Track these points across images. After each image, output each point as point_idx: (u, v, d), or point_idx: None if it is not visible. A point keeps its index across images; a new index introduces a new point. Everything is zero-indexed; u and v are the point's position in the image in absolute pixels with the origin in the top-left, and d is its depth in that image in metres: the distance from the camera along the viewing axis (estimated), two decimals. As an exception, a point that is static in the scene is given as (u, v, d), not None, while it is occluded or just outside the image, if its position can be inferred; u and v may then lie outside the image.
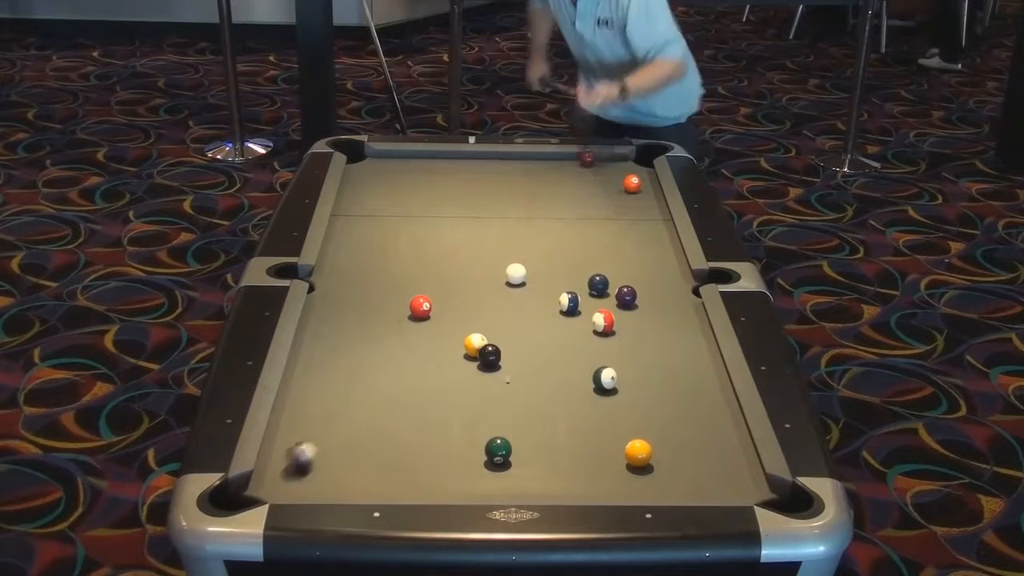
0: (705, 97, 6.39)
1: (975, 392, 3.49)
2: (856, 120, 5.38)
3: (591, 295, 2.29)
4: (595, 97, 3.10)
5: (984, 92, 6.54)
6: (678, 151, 3.06)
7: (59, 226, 4.45)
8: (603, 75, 3.28)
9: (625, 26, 3.13)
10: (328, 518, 1.62)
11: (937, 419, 3.35)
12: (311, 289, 2.29)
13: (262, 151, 5.33)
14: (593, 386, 1.97)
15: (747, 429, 1.85)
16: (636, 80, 3.11)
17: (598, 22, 3.19)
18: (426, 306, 2.20)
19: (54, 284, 3.99)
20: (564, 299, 2.23)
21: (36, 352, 3.56)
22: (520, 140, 3.34)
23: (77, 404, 3.31)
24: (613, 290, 2.30)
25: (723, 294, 2.26)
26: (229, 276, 4.07)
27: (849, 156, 5.33)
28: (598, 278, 2.30)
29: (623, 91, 3.08)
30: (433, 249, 2.53)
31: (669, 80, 3.21)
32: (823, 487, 1.67)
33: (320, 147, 3.01)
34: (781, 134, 5.77)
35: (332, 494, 1.68)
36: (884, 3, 6.26)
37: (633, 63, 3.19)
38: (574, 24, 3.26)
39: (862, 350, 3.72)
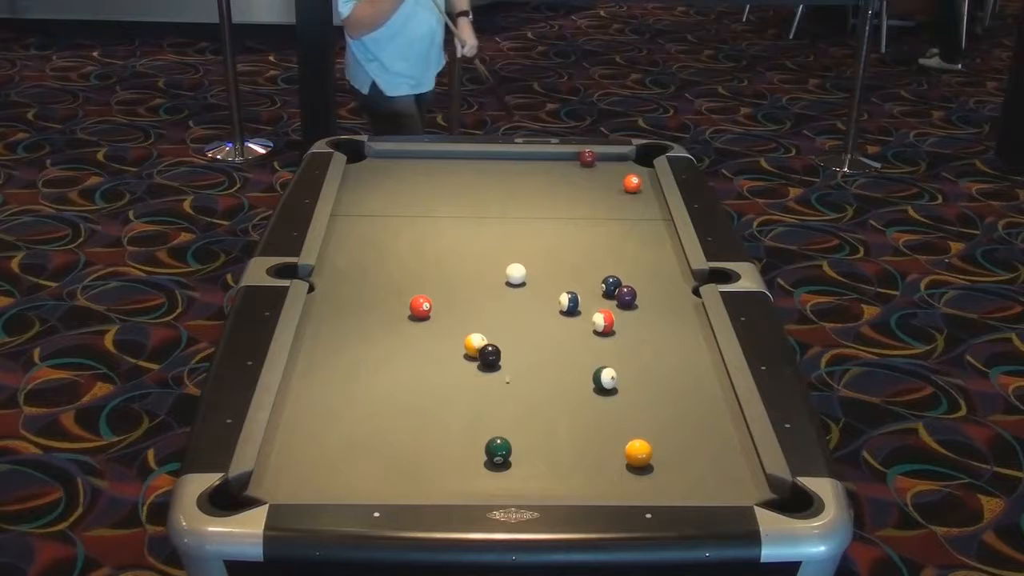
0: (705, 97, 6.40)
1: (975, 392, 3.49)
2: (856, 120, 5.38)
3: (604, 295, 2.29)
4: (475, 43, 3.71)
5: (984, 92, 6.54)
6: (678, 151, 3.06)
7: (59, 226, 4.45)
8: (431, 21, 3.56)
9: None
10: (328, 518, 1.62)
11: (937, 419, 3.35)
12: (311, 289, 2.29)
13: (262, 151, 5.33)
14: (593, 386, 1.97)
15: (747, 429, 1.85)
16: (465, 3, 3.74)
17: None
18: (426, 306, 2.20)
19: (54, 284, 3.99)
20: (564, 299, 2.23)
21: (36, 352, 3.56)
22: (520, 140, 3.34)
23: (77, 404, 3.31)
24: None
25: (723, 294, 2.26)
26: (229, 276, 4.07)
27: (849, 156, 5.33)
28: (612, 279, 2.30)
29: (468, 17, 3.70)
30: (433, 249, 2.53)
31: None
32: (823, 487, 1.67)
33: (320, 147, 3.01)
34: (781, 134, 5.77)
35: (332, 494, 1.68)
36: (884, 3, 6.26)
37: None
38: None
39: (862, 350, 3.72)
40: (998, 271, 4.31)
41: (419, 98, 3.79)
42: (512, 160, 3.05)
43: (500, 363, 2.03)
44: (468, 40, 3.71)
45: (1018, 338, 3.81)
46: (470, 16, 3.76)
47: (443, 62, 3.84)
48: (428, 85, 3.79)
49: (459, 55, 3.75)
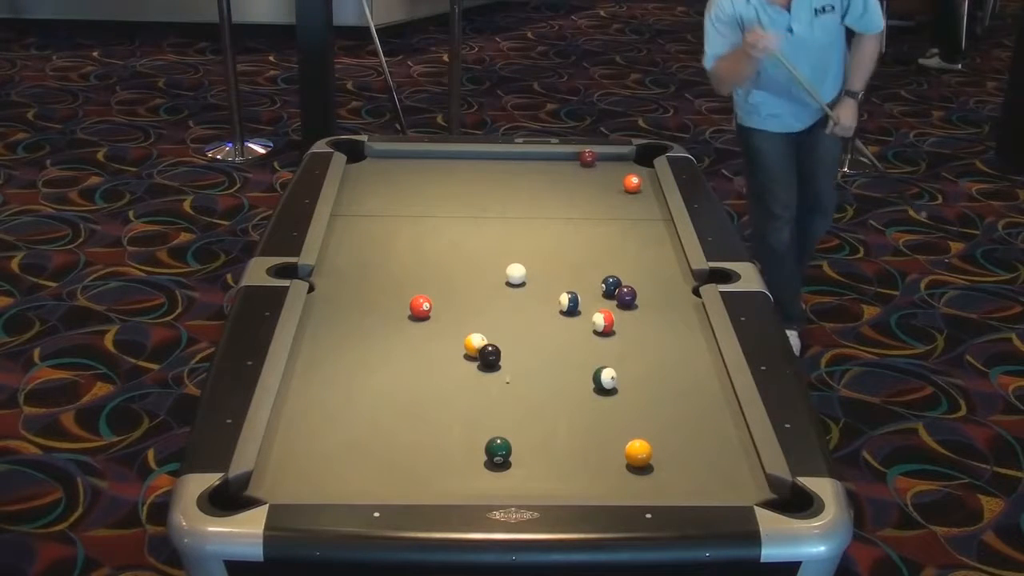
0: (705, 97, 6.39)
1: (975, 392, 3.49)
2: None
3: (604, 295, 2.29)
4: (849, 124, 3.41)
5: (984, 92, 6.54)
6: (678, 151, 3.06)
7: (59, 226, 4.45)
8: (807, 73, 3.30)
9: (848, 8, 3.27)
10: (328, 518, 1.62)
11: (937, 419, 3.35)
12: (311, 289, 2.29)
13: (262, 151, 5.33)
14: (593, 386, 1.97)
15: (747, 429, 1.85)
16: (860, 83, 3.41)
17: (815, 12, 3.24)
18: (426, 306, 2.20)
19: (54, 284, 3.99)
20: (564, 299, 2.23)
21: (36, 352, 3.56)
22: (520, 140, 3.34)
23: (77, 404, 3.31)
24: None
25: (723, 294, 2.26)
26: (229, 276, 4.07)
27: (849, 156, 5.33)
28: (612, 279, 2.30)
29: (856, 97, 3.40)
30: (433, 249, 2.53)
31: (876, 60, 3.47)
32: (823, 487, 1.67)
33: (320, 147, 3.01)
34: (781, 134, 5.75)
35: (332, 494, 1.68)
36: (884, 3, 6.25)
37: (836, 45, 3.36)
38: (790, 30, 3.23)
39: (862, 350, 3.72)
40: (998, 271, 4.31)
41: (801, 143, 3.50)
42: (512, 160, 3.05)
43: (500, 363, 2.03)
44: (842, 120, 3.37)
45: (1018, 338, 3.81)
46: (858, 97, 3.40)
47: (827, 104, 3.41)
48: (802, 123, 3.46)
49: (828, 130, 3.41)
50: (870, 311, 3.97)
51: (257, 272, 2.31)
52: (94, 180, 4.91)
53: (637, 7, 8.33)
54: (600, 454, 1.80)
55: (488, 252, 2.50)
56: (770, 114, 3.46)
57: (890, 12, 7.07)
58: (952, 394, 3.47)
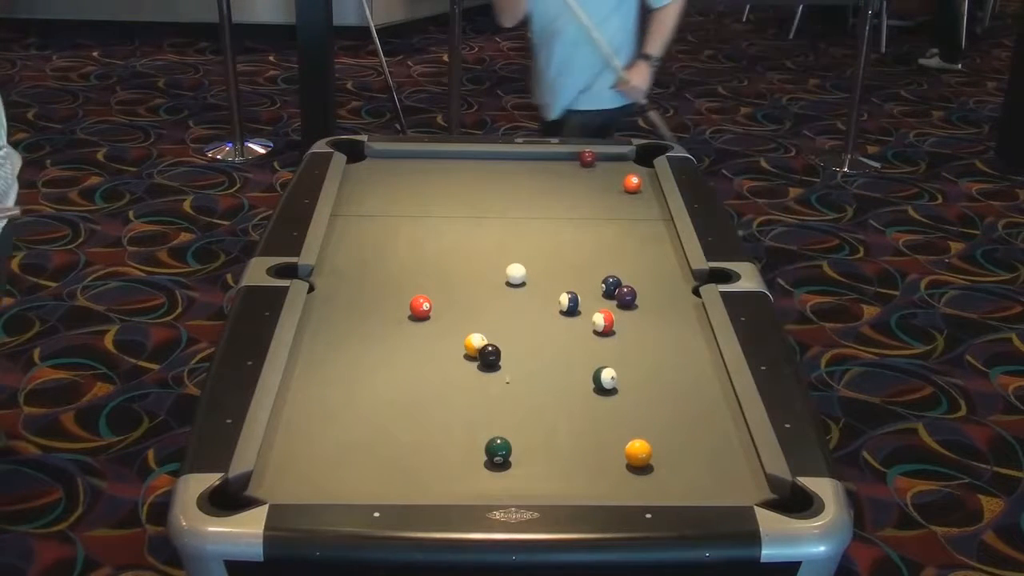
0: (705, 97, 6.39)
1: (975, 392, 3.49)
2: (856, 120, 5.38)
3: (604, 295, 2.29)
4: (638, 85, 3.31)
5: (984, 92, 6.54)
6: (678, 151, 3.06)
7: (59, 226, 4.45)
8: (578, 34, 3.26)
9: None
10: (328, 518, 1.62)
11: (937, 419, 3.35)
12: (311, 289, 2.29)
13: (262, 151, 5.33)
14: (593, 386, 1.97)
15: (747, 429, 1.85)
16: (656, 47, 3.31)
17: None
18: (426, 306, 2.20)
19: (54, 284, 3.99)
20: (564, 299, 2.23)
21: (36, 352, 3.56)
22: (520, 140, 3.34)
23: (77, 404, 3.31)
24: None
25: (723, 294, 2.26)
26: (229, 276, 4.07)
27: (849, 156, 5.33)
28: (612, 279, 2.30)
29: (649, 61, 3.31)
30: (433, 249, 2.53)
31: (675, 27, 3.35)
32: (823, 487, 1.67)
33: (320, 147, 3.01)
34: (781, 134, 5.77)
35: (332, 494, 1.68)
36: (884, 3, 6.26)
37: (612, 19, 3.27)
38: None
39: (862, 350, 3.72)
40: (998, 271, 4.31)
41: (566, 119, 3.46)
42: (512, 160, 3.05)
43: (500, 363, 2.03)
44: (633, 80, 3.30)
45: (1018, 338, 3.81)
46: (651, 60, 3.35)
47: (603, 97, 3.39)
48: (552, 111, 3.50)
49: (613, 85, 3.36)
50: (870, 311, 3.97)
51: (257, 272, 2.31)
52: (94, 180, 4.91)
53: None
54: (600, 454, 1.80)
55: (488, 252, 2.49)
56: (540, 91, 3.54)
57: (890, 12, 7.10)
58: (952, 394, 3.47)
